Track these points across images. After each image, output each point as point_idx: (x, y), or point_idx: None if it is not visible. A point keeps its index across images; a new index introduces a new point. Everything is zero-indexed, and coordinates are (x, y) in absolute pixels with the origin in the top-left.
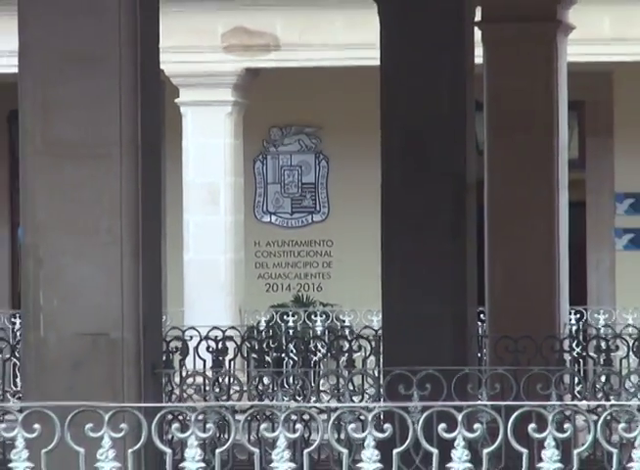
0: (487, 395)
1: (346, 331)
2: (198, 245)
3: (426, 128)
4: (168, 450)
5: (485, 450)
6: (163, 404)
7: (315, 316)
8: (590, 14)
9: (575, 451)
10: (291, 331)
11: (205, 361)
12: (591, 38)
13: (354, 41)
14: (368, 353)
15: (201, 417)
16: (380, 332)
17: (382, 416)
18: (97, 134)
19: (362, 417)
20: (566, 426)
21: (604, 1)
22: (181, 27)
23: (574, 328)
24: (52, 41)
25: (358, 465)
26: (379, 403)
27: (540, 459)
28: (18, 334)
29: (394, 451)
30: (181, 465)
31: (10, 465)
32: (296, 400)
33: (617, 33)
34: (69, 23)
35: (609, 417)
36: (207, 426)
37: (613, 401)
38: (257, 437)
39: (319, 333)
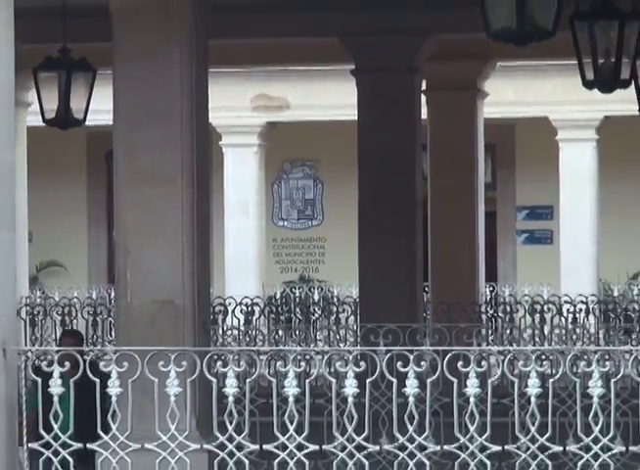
0: (430, 342)
1: (335, 299)
2: (234, 242)
3: (389, 163)
4: (214, 380)
5: (429, 380)
6: (211, 348)
7: (313, 289)
8: (499, 85)
9: (489, 380)
10: (297, 299)
11: (238, 320)
12: (500, 101)
13: (342, 103)
14: (349, 314)
15: (236, 357)
16: (357, 300)
17: (358, 357)
18: (165, 167)
19: (345, 357)
20: (483, 363)
21: (509, 76)
22: (223, 93)
23: (489, 297)
24: (134, 102)
25: (343, 390)
26: (357, 348)
27: (465, 386)
28: (112, 301)
29: (367, 380)
30: (223, 390)
31: (107, 390)
32: (300, 346)
33: (518, 98)
34: (145, 89)
35: (512, 357)
36: (241, 363)
37: (514, 347)
38: (274, 370)
39: (316, 300)
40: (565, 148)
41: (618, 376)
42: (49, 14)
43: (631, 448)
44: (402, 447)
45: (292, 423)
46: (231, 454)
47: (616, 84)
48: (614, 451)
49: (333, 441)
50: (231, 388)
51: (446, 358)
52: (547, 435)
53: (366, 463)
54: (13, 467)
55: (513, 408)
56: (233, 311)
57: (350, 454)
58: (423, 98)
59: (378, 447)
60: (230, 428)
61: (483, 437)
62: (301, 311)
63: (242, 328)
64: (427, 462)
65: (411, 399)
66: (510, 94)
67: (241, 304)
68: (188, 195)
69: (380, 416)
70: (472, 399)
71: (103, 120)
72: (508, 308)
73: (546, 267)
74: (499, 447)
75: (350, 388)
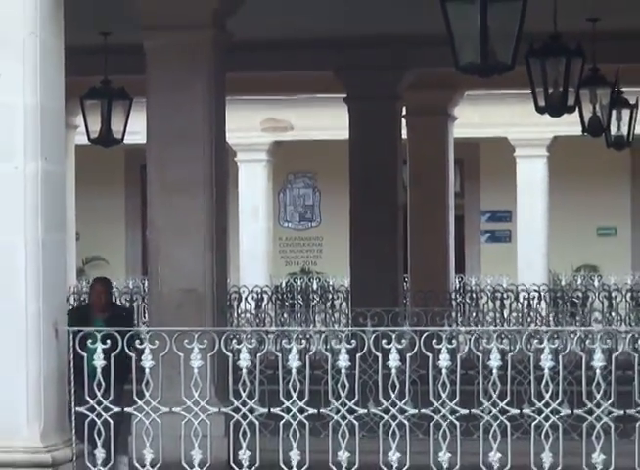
0: (409, 324)
1: (330, 288)
2: (247, 240)
3: (374, 175)
4: (230, 355)
5: (408, 355)
6: (227, 328)
7: (313, 280)
8: (466, 110)
9: (458, 355)
10: (299, 288)
11: (250, 305)
12: (467, 124)
13: (336, 125)
14: (342, 300)
15: (248, 336)
16: (349, 288)
17: (350, 336)
18: (190, 179)
19: (339, 336)
20: (453, 341)
21: (474, 103)
22: (238, 116)
23: (458, 286)
24: (164, 125)
25: (337, 363)
26: (348, 328)
27: (438, 360)
28: (146, 289)
29: (357, 355)
30: (237, 363)
31: (141, 363)
32: (301, 327)
33: (482, 121)
34: (173, 115)
35: (477, 336)
36: (252, 341)
37: (479, 327)
38: (280, 347)
39: (315, 289)
40: (520, 163)
41: (565, 351)
42: (93, 51)
43: (576, 411)
44: (386, 411)
45: (294, 391)
46: (244, 416)
47: (563, 110)
48: (561, 414)
49: (329, 405)
50: (244, 361)
51: (423, 337)
52: (506, 400)
53: (356, 424)
54: (62, 427)
55: (478, 378)
56: (246, 298)
57: (343, 417)
58: (403, 121)
59: (366, 411)
60: (243, 395)
61: (453, 402)
62: (302, 298)
63: (253, 312)
64: (406, 423)
65: (393, 371)
66: (475, 118)
67: (252, 291)
68: (208, 202)
69: (367, 385)
70: (444, 371)
71: (138, 140)
72: (474, 296)
73: (505, 261)
74: (466, 411)
75: (343, 361)
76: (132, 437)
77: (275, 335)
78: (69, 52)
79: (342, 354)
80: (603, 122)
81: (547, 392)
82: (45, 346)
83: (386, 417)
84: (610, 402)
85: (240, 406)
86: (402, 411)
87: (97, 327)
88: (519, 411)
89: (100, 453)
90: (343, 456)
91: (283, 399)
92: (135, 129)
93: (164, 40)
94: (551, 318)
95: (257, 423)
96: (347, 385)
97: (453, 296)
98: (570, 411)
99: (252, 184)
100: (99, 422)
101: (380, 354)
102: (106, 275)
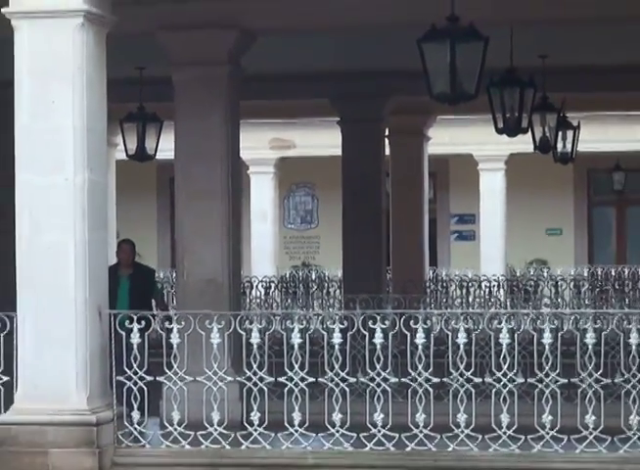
0: (391, 307)
1: (326, 278)
2: (257, 239)
3: (363, 185)
4: (243, 333)
5: (390, 333)
6: (241, 312)
7: (311, 271)
8: (438, 131)
9: (432, 334)
10: (300, 278)
11: (260, 292)
12: (439, 143)
13: (331, 144)
14: (336, 288)
15: (258, 318)
16: (341, 278)
17: (342, 317)
18: (210, 188)
19: (333, 318)
20: (427, 322)
21: (445, 125)
22: (250, 137)
23: (431, 276)
24: (189, 144)
25: (331, 340)
26: (341, 311)
27: (415, 337)
28: (174, 279)
29: (348, 334)
30: (249, 340)
31: (170, 341)
32: (302, 310)
33: (451, 141)
34: (197, 136)
35: (447, 318)
36: (262, 322)
37: (449, 310)
38: (285, 327)
39: (313, 279)
40: (483, 175)
41: (520, 330)
42: (130, 82)
43: (529, 380)
44: (372, 379)
45: (297, 363)
46: (255, 384)
47: (518, 131)
48: (516, 382)
49: (325, 375)
50: (255, 339)
51: (402, 318)
52: (471, 371)
53: (347, 390)
54: (105, 393)
55: (448, 353)
56: (256, 286)
57: (337, 384)
58: (386, 141)
59: (355, 379)
60: (254, 366)
61: (428, 372)
62: (303, 286)
63: (262, 298)
64: (389, 389)
65: (378, 347)
66: (446, 138)
67: (261, 281)
68: (225, 207)
69: (357, 358)
70: (419, 347)
71: (167, 156)
72: (444, 284)
73: (470, 256)
74: (438, 379)
75: (337, 339)
76: (163, 401)
77: (280, 317)
78: (111, 83)
79: (336, 333)
80: (551, 142)
81: (505, 364)
82: (90, 327)
83: (372, 385)
84: (556, 372)
85: (252, 376)
86: (385, 380)
87: (123, 282)
88: (481, 380)
89: (136, 414)
90: (337, 417)
91: (287, 370)
92: (165, 147)
93: (190, 74)
94: (508, 303)
95: (266, 389)
96: (340, 358)
97: (427, 284)
98: (523, 380)
99: (262, 193)
100: (135, 389)
101: (367, 333)
102: None
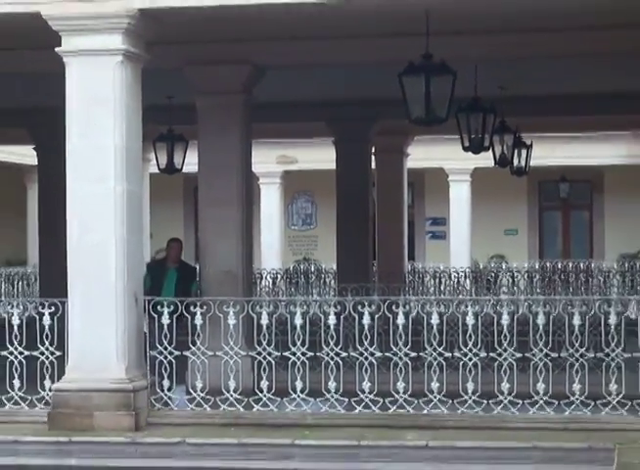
0: (377, 295)
1: (323, 270)
2: (266, 237)
3: (353, 194)
4: (255, 316)
5: (376, 316)
6: (253, 298)
7: (311, 264)
8: (416, 149)
9: (410, 316)
10: (302, 270)
11: (268, 282)
12: (416, 158)
13: (327, 159)
14: (331, 279)
15: (267, 303)
16: (336, 271)
17: (336, 303)
18: (228, 196)
19: (329, 303)
20: (406, 306)
21: (421, 144)
22: (260, 153)
23: (410, 269)
24: (210, 159)
25: (327, 321)
26: (335, 298)
27: (396, 319)
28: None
29: (341, 316)
30: (260, 322)
31: (194, 323)
32: (303, 297)
33: (426, 156)
34: (216, 153)
35: (422, 303)
36: (270, 307)
37: (424, 297)
38: (289, 310)
39: (312, 271)
40: (452, 185)
41: (482, 313)
42: (161, 109)
43: (490, 354)
44: (361, 354)
45: (298, 340)
46: (264, 358)
47: (481, 149)
48: (480, 356)
49: (322, 350)
50: (264, 320)
51: (386, 304)
52: (443, 346)
53: (340, 362)
54: (140, 365)
55: (423, 332)
56: (265, 277)
57: (332, 358)
58: (373, 157)
59: (347, 354)
60: (264, 343)
61: (407, 348)
62: (304, 277)
63: (270, 286)
64: (374, 362)
65: (366, 327)
66: (422, 155)
67: (269, 273)
68: (240, 211)
69: (348, 336)
70: (400, 327)
71: (192, 169)
72: (420, 275)
73: (442, 252)
74: (416, 354)
75: (332, 320)
76: (188, 372)
77: (285, 302)
78: (145, 109)
79: (331, 316)
80: (508, 158)
81: (470, 341)
82: (128, 310)
83: (360, 358)
84: (513, 348)
85: (261, 351)
86: (372, 354)
87: (171, 274)
88: (451, 354)
89: (166, 383)
90: (332, 385)
91: (290, 346)
92: (190, 162)
93: (211, 101)
94: (473, 291)
95: (273, 362)
96: (335, 336)
97: (406, 275)
98: (485, 354)
99: (270, 200)
100: (165, 361)
101: (357, 315)
102: None
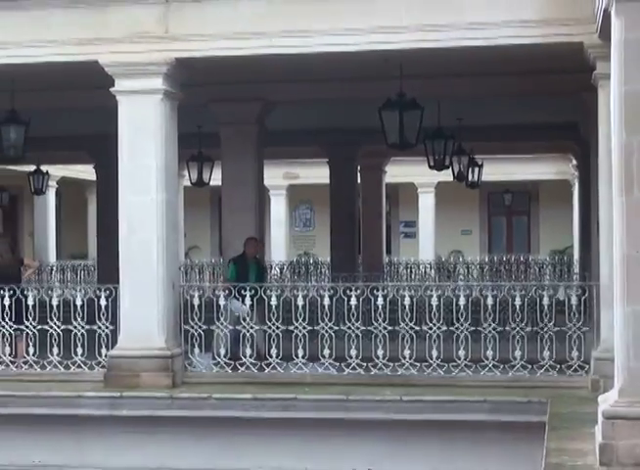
0: (362, 281)
1: (320, 262)
2: (275, 237)
3: (343, 203)
4: (265, 298)
5: (361, 298)
6: (264, 284)
7: (310, 257)
8: (393, 168)
9: (387, 299)
10: (303, 262)
11: (277, 271)
12: (393, 175)
13: (323, 175)
14: (326, 269)
15: (275, 288)
16: (330, 263)
17: (330, 288)
18: (245, 205)
19: (324, 288)
20: (384, 291)
21: (397, 164)
22: (270, 171)
23: (387, 261)
24: (231, 175)
25: (323, 303)
26: (329, 284)
27: (377, 300)
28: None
29: (334, 298)
30: (270, 303)
31: (218, 303)
32: (304, 283)
33: (400, 174)
34: (235, 170)
35: (397, 289)
36: (277, 291)
37: (398, 283)
38: (293, 294)
39: (311, 262)
40: (420, 196)
41: (444, 296)
42: (193, 135)
43: (450, 328)
44: (349, 328)
45: (300, 317)
46: (273, 331)
47: (443, 167)
48: (442, 329)
49: (318, 325)
50: (273, 301)
51: (369, 288)
52: (413, 322)
53: (333, 335)
54: (176, 336)
55: (398, 310)
56: (274, 267)
57: (326, 331)
58: (358, 174)
59: (338, 328)
60: (273, 318)
61: (385, 323)
62: (305, 268)
63: (278, 275)
64: (359, 334)
65: (353, 307)
66: (397, 172)
67: (277, 264)
68: (254, 217)
69: (339, 314)
70: (380, 306)
71: (217, 183)
72: (396, 266)
73: (412, 248)
74: (392, 327)
75: (326, 302)
76: (214, 342)
77: (290, 287)
78: (180, 136)
79: (326, 298)
80: (464, 174)
81: (434, 318)
82: (167, 294)
83: (348, 331)
84: (468, 323)
85: (272, 326)
86: (357, 328)
87: (252, 267)
88: (419, 328)
89: (196, 350)
90: (326, 352)
91: (294, 322)
92: (215, 177)
93: (231, 130)
94: (437, 278)
95: (280, 334)
96: (329, 314)
97: (385, 266)
98: (446, 328)
99: (277, 207)
100: (196, 333)
101: (346, 298)
102: (198, 256)
